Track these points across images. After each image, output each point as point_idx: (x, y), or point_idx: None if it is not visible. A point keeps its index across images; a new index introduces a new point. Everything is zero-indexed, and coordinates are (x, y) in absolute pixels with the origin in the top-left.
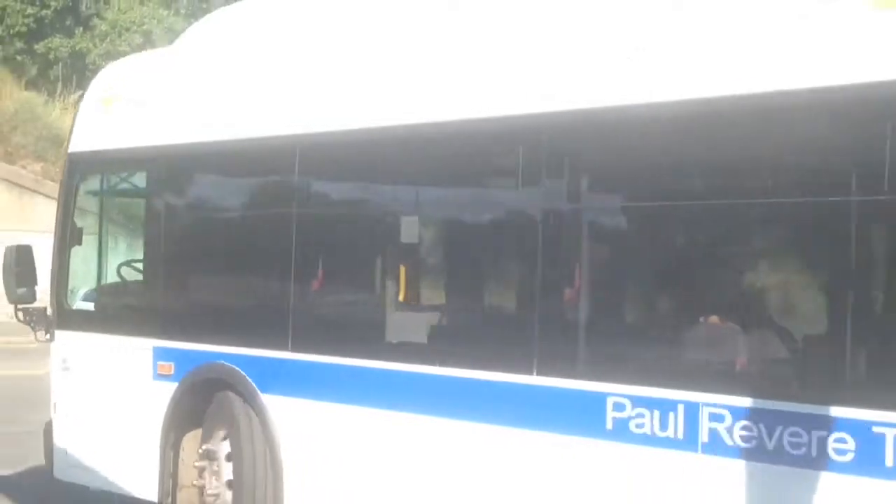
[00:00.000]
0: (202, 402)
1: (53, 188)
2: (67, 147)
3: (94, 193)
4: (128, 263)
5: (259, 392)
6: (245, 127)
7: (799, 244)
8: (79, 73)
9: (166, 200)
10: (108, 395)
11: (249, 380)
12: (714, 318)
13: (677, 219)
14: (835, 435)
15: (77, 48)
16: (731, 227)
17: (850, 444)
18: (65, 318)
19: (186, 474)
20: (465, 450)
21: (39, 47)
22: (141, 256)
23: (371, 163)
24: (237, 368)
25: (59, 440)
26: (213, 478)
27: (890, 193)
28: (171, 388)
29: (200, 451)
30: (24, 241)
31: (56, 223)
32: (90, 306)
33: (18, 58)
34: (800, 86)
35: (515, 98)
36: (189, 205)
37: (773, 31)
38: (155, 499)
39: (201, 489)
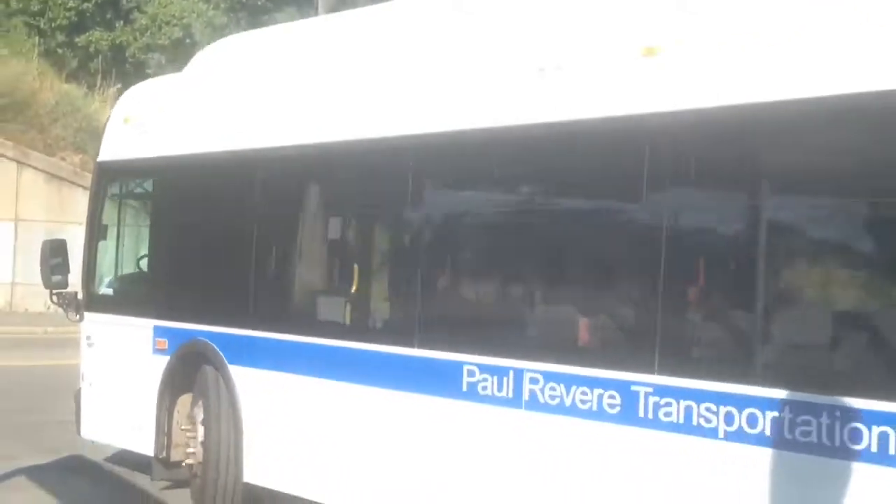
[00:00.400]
0: (191, 373)
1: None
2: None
3: (116, 196)
4: (137, 256)
5: (227, 363)
6: (225, 142)
7: (625, 237)
8: (119, 66)
9: (164, 203)
10: (121, 367)
11: (220, 353)
12: (540, 303)
13: (532, 216)
14: (607, 392)
15: (117, 41)
16: (562, 223)
17: (592, 395)
18: (91, 301)
19: (179, 435)
20: (374, 408)
21: (80, 40)
22: (147, 251)
23: (313, 168)
24: (211, 343)
25: (84, 404)
26: (192, 438)
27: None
28: (165, 360)
29: (188, 416)
30: (62, 233)
31: (86, 221)
32: (110, 292)
33: (59, 51)
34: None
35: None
36: (180, 208)
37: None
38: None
39: (185, 447)
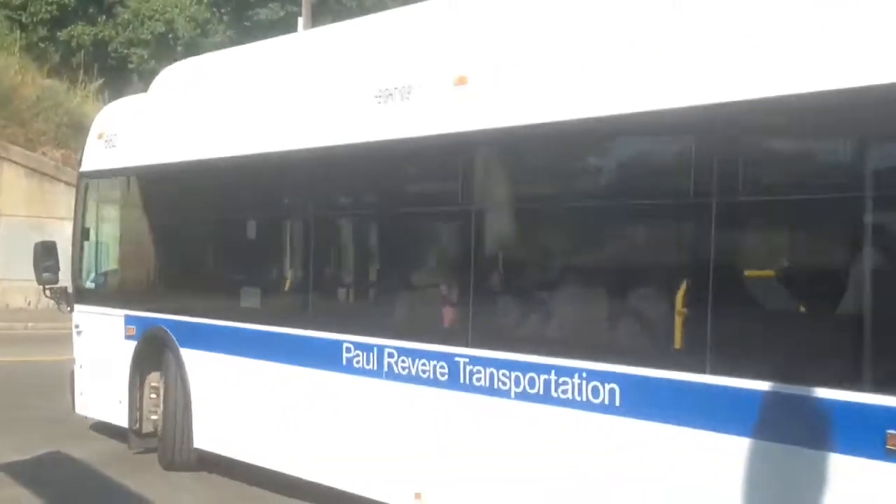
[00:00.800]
0: (156, 354)
1: (74, 175)
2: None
3: (94, 202)
4: (112, 255)
5: (178, 346)
6: (171, 155)
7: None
8: (101, 60)
9: (128, 209)
10: (102, 351)
11: (173, 337)
12: (391, 292)
13: (379, 220)
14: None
15: (100, 36)
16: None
17: (429, 366)
18: (78, 295)
19: (148, 408)
20: (281, 380)
21: (62, 35)
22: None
23: (228, 179)
24: (167, 329)
25: (76, 384)
26: (156, 409)
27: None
28: (134, 344)
29: (154, 390)
30: (43, 228)
31: (73, 223)
32: (92, 286)
33: (41, 45)
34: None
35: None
36: (139, 214)
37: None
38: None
39: (151, 418)
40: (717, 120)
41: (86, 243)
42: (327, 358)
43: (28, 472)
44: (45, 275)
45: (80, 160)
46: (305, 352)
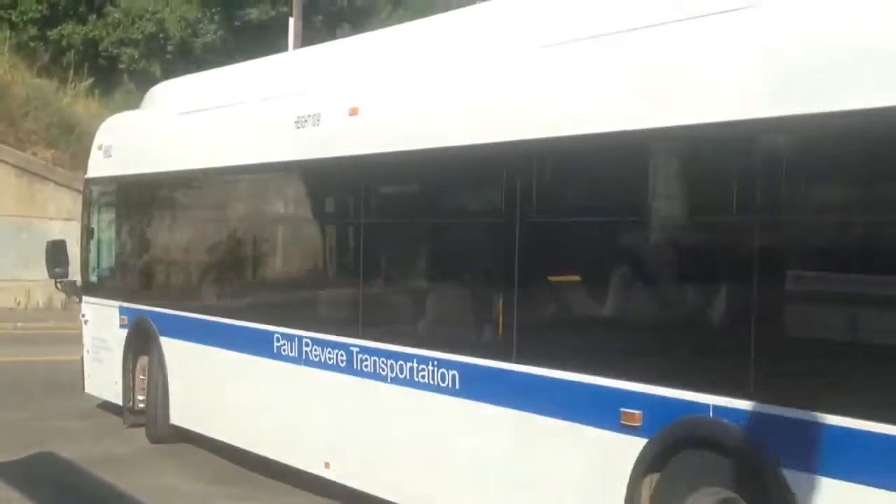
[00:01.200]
0: (144, 340)
1: (63, 175)
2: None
3: (96, 205)
4: (109, 253)
5: (158, 335)
6: (150, 166)
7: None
8: (91, 60)
9: (119, 212)
10: (102, 338)
11: (154, 326)
12: (303, 291)
13: (294, 228)
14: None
15: (90, 35)
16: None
17: (334, 354)
18: (86, 288)
19: (139, 388)
20: (231, 365)
21: (52, 34)
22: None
23: (199, 188)
24: (149, 319)
25: (85, 368)
26: (143, 389)
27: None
28: (126, 332)
29: (142, 372)
30: (32, 227)
31: (81, 223)
32: (95, 280)
33: (31, 44)
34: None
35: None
36: (127, 215)
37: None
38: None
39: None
40: (521, 153)
41: (90, 242)
42: (262, 346)
43: (18, 473)
44: (56, 269)
45: (87, 167)
46: (245, 340)
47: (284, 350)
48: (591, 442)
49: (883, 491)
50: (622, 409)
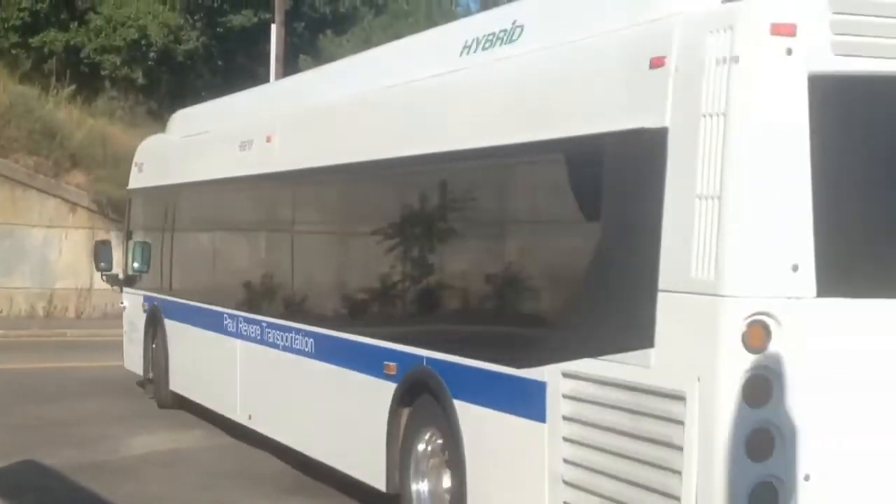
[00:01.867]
0: (155, 323)
1: (46, 182)
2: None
3: (132, 212)
4: (140, 251)
5: (164, 318)
6: (166, 178)
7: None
8: (73, 67)
9: (147, 217)
10: (133, 322)
11: (161, 310)
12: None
13: (241, 232)
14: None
15: (72, 42)
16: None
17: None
18: (125, 280)
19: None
20: (206, 342)
21: (34, 41)
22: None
23: (198, 197)
24: (157, 305)
25: (124, 346)
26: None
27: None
28: (145, 316)
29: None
30: (14, 234)
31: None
32: (130, 274)
33: (13, 51)
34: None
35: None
36: (151, 219)
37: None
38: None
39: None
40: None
41: (129, 242)
42: (215, 324)
43: (2, 480)
44: (101, 264)
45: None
46: (206, 320)
47: (228, 327)
48: (369, 385)
49: (503, 413)
50: (385, 362)
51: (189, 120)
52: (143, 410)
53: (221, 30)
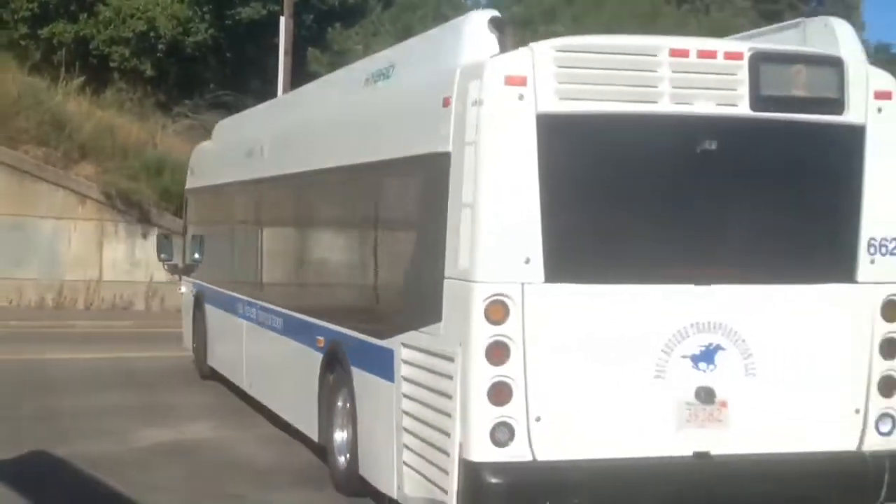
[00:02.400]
0: (199, 306)
1: (55, 173)
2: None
3: (187, 210)
4: (193, 245)
5: (204, 302)
6: (206, 181)
7: None
8: (82, 58)
9: (195, 214)
10: (187, 304)
11: (203, 295)
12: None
13: (239, 229)
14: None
15: (81, 34)
16: None
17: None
18: (184, 269)
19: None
20: (234, 325)
21: (44, 32)
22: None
23: (225, 198)
24: (201, 292)
25: (183, 328)
26: None
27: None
28: (193, 300)
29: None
30: (24, 225)
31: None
32: (187, 264)
33: (22, 42)
34: None
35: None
36: (199, 217)
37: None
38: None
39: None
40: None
41: (186, 237)
42: (232, 307)
43: (11, 471)
44: (163, 255)
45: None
46: (226, 303)
47: (238, 309)
48: (307, 355)
49: (374, 377)
50: (316, 336)
51: (223, 129)
52: (151, 402)
53: (230, 22)
